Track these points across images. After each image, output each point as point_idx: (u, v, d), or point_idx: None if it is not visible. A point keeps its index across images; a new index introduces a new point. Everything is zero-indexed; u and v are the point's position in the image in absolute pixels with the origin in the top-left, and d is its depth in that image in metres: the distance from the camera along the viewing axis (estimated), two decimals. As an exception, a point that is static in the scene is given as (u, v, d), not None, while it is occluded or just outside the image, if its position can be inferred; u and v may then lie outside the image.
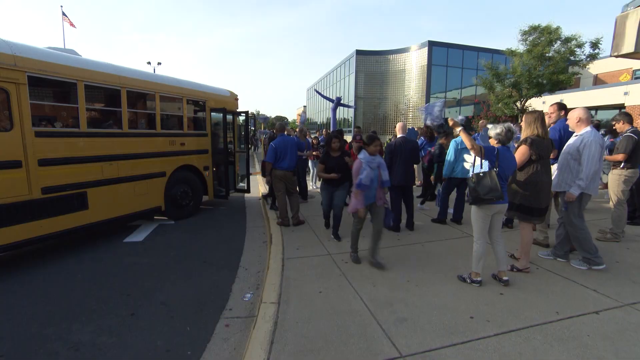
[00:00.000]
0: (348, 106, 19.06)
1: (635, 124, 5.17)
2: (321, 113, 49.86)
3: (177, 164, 6.38)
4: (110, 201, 5.17)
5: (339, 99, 19.33)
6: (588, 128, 3.73)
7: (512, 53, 18.78)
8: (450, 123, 3.76)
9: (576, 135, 3.81)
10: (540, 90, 17.95)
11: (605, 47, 16.85)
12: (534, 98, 18.82)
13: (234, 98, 8.05)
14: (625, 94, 17.61)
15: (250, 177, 8.44)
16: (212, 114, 7.22)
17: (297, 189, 6.97)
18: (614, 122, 5.02)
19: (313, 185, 9.57)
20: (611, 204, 4.93)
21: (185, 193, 6.61)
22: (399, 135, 5.37)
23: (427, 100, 33.42)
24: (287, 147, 5.64)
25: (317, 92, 18.51)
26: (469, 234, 5.02)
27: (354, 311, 3.00)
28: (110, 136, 5.22)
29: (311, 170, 9.82)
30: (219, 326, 3.01)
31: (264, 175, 7.00)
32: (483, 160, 3.33)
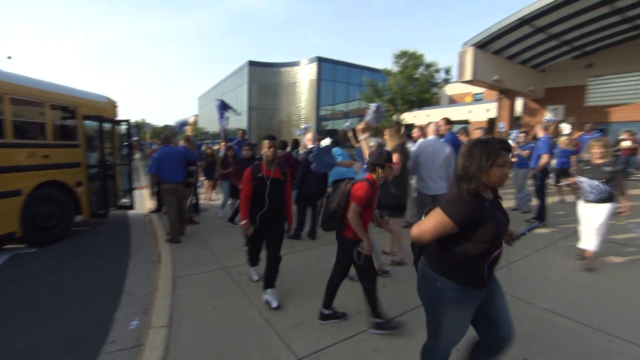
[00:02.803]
0: (235, 112, 12.22)
1: (475, 136, 6.64)
2: (213, 123, 48.05)
3: (38, 180, 5.40)
4: (-61, 230, 4.10)
5: (220, 102, 13.07)
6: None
7: (388, 73, 21.46)
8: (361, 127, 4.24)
9: None
10: (411, 106, 20.94)
11: (454, 73, 20.67)
12: (406, 112, 21.80)
13: (113, 105, 7.24)
14: (470, 112, 22.23)
15: (136, 191, 7.67)
16: (86, 122, 6.37)
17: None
18: (458, 136, 6.30)
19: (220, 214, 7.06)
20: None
21: (51, 214, 5.62)
22: (310, 146, 5.37)
23: (318, 112, 35.52)
24: (172, 158, 5.38)
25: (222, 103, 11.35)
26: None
27: (251, 322, 3.06)
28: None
29: (223, 195, 7.24)
30: (101, 363, 2.72)
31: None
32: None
